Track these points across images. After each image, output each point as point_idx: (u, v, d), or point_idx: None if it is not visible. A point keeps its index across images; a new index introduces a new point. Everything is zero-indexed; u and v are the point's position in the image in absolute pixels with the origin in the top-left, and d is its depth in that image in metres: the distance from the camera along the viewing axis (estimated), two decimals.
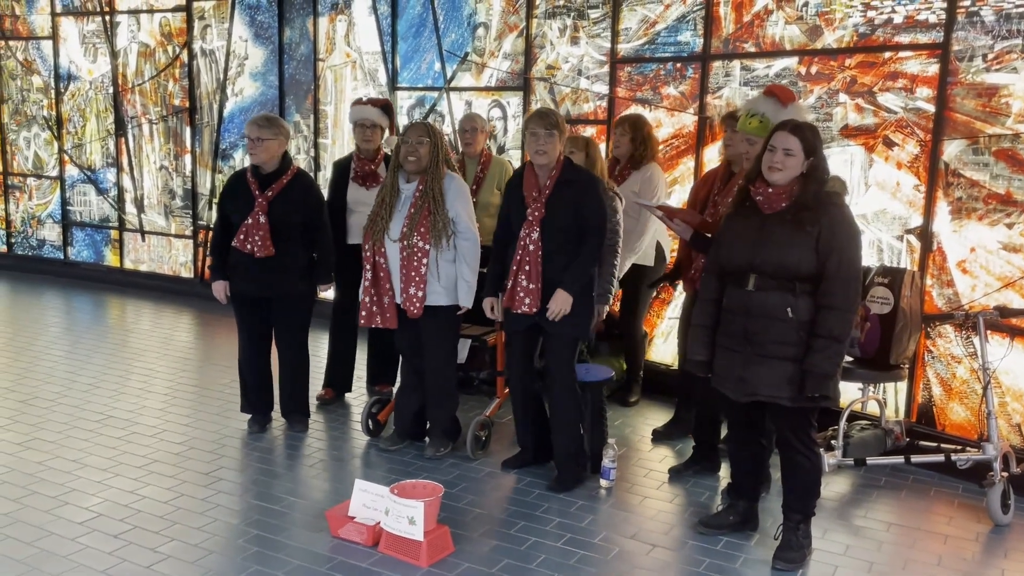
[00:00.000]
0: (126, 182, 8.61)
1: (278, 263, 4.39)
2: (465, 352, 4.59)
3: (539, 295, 3.81)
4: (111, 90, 8.52)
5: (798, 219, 3.10)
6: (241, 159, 7.81)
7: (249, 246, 4.32)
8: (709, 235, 3.75)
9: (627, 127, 4.96)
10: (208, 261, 4.44)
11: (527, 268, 3.81)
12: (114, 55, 8.44)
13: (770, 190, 3.16)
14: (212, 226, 4.61)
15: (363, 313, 4.13)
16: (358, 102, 4.96)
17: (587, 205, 3.79)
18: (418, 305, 4.06)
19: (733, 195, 3.82)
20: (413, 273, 4.03)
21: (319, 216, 4.50)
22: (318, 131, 7.26)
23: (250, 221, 4.32)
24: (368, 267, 4.10)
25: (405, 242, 4.02)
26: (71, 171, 9.03)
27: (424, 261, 4.02)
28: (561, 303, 3.79)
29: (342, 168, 5.07)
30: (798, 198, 3.13)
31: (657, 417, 5.09)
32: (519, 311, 3.86)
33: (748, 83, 5.07)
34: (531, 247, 3.80)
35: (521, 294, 3.83)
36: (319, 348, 5.94)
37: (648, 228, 4.90)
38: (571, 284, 3.80)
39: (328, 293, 4.97)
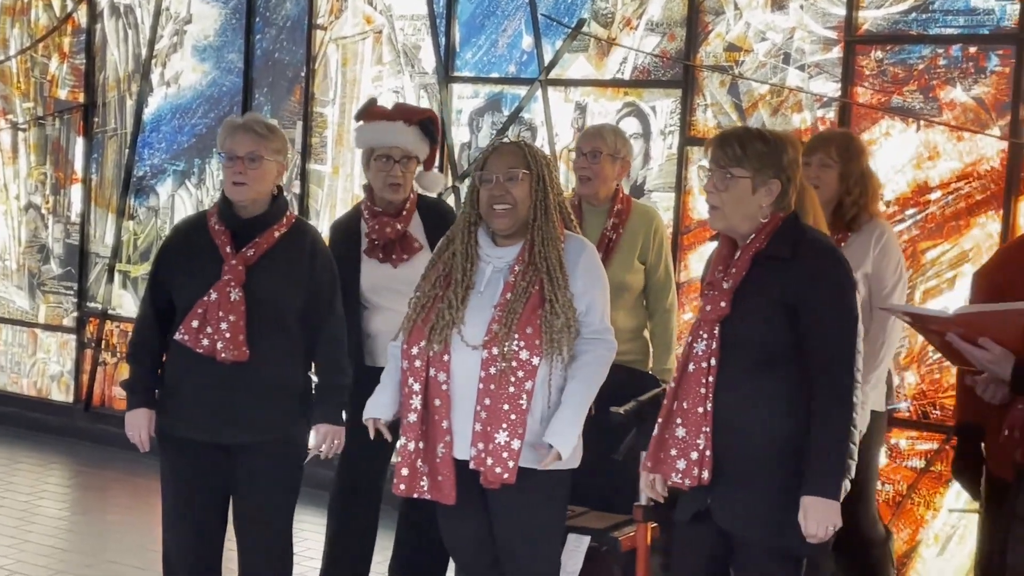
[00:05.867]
0: None
1: (254, 379, 4.43)
2: (579, 560, 4.54)
3: (706, 456, 3.79)
4: None
5: None
6: (170, 196, 7.91)
7: (207, 341, 4.36)
8: None
9: (833, 152, 5.00)
10: (124, 372, 4.51)
11: (685, 403, 3.81)
12: None
13: None
14: (138, 314, 4.65)
15: (403, 472, 4.13)
16: (371, 111, 5.13)
17: (814, 307, 3.75)
18: (511, 465, 4.04)
19: None
20: (506, 406, 4.05)
21: (333, 298, 4.62)
22: (308, 151, 7.37)
23: (213, 297, 4.37)
24: (417, 392, 4.13)
25: (495, 350, 4.04)
26: None
27: (527, 385, 4.05)
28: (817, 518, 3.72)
29: (346, 233, 5.19)
30: None
31: None
32: (673, 481, 3.85)
33: None
34: (692, 367, 3.81)
35: (673, 451, 3.84)
36: (307, 543, 5.90)
37: (891, 337, 4.95)
38: (828, 482, 3.69)
39: (328, 444, 4.89)
